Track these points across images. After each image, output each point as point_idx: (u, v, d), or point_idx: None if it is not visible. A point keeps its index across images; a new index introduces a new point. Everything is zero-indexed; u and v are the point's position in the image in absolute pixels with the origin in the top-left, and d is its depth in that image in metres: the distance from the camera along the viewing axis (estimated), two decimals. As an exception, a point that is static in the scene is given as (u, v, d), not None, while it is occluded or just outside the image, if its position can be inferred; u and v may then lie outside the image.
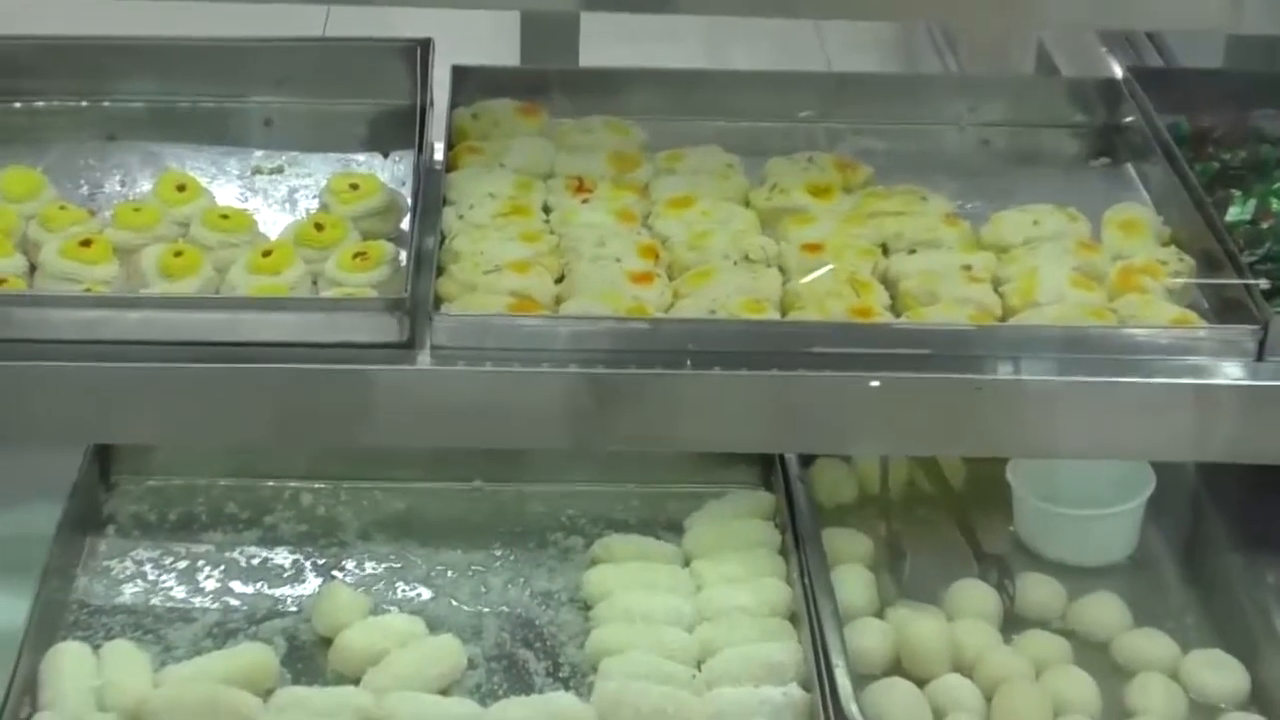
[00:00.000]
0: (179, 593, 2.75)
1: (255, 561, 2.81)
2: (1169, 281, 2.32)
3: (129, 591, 2.74)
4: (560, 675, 2.62)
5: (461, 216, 2.39)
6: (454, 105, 2.63)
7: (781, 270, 2.35)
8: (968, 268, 2.34)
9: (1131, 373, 2.16)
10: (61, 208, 2.37)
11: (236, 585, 2.76)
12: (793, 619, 2.65)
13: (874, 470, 2.88)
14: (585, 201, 2.47)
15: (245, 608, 2.72)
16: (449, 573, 2.80)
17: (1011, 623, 2.69)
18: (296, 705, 2.51)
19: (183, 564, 2.80)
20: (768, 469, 2.89)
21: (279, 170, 2.58)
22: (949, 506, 2.88)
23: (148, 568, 2.79)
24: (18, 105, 2.67)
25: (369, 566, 2.81)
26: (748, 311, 2.23)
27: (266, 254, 2.29)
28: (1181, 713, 2.55)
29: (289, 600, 2.74)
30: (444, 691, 2.57)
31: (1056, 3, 2.21)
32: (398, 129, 2.57)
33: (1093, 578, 2.77)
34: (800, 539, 2.71)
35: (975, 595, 2.70)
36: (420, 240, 2.29)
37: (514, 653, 2.66)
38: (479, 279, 2.27)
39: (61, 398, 2.13)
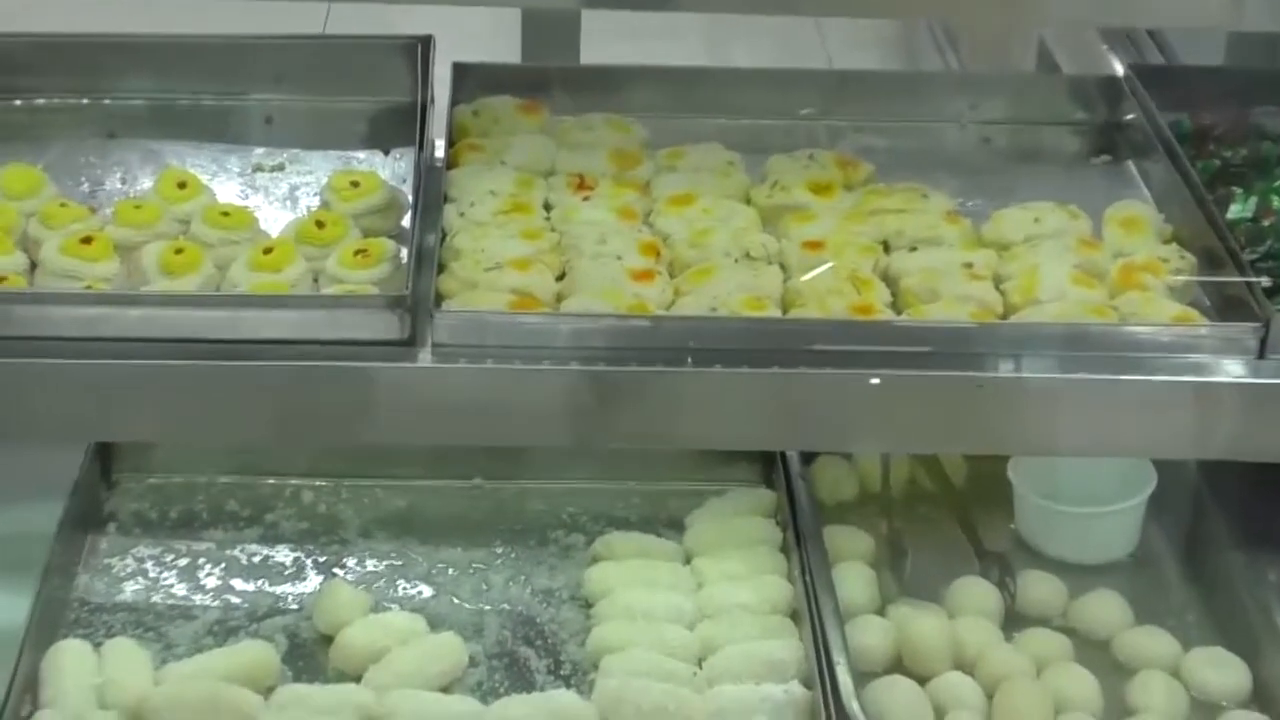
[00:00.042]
0: (180, 590, 2.75)
1: (256, 559, 2.81)
2: (1170, 279, 2.31)
3: (130, 589, 2.74)
4: (561, 673, 2.62)
5: (462, 214, 2.39)
6: (455, 102, 2.63)
7: (782, 268, 2.34)
8: (969, 265, 2.33)
9: (1132, 370, 2.15)
10: (62, 205, 2.37)
11: (237, 583, 2.77)
12: (794, 616, 2.65)
13: (875, 468, 2.88)
14: (586, 199, 2.46)
15: (246, 605, 2.72)
16: (450, 570, 2.80)
17: (1012, 620, 2.69)
18: (297, 703, 2.51)
19: (184, 562, 2.80)
20: (769, 466, 2.89)
21: (280, 168, 2.57)
22: (950, 504, 2.88)
23: (149, 565, 2.79)
24: (18, 103, 2.66)
25: (370, 564, 2.81)
26: (749, 309, 2.23)
27: (267, 251, 2.29)
28: (1183, 710, 2.55)
29: (290, 598, 2.74)
30: (445, 689, 2.57)
31: (1058, 0, 2.21)
32: (399, 126, 2.57)
33: (1094, 575, 2.77)
34: (801, 536, 2.71)
35: (976, 593, 2.70)
36: (421, 238, 2.29)
37: (515, 650, 2.66)
38: (480, 276, 2.26)
39: (62, 395, 2.12)
